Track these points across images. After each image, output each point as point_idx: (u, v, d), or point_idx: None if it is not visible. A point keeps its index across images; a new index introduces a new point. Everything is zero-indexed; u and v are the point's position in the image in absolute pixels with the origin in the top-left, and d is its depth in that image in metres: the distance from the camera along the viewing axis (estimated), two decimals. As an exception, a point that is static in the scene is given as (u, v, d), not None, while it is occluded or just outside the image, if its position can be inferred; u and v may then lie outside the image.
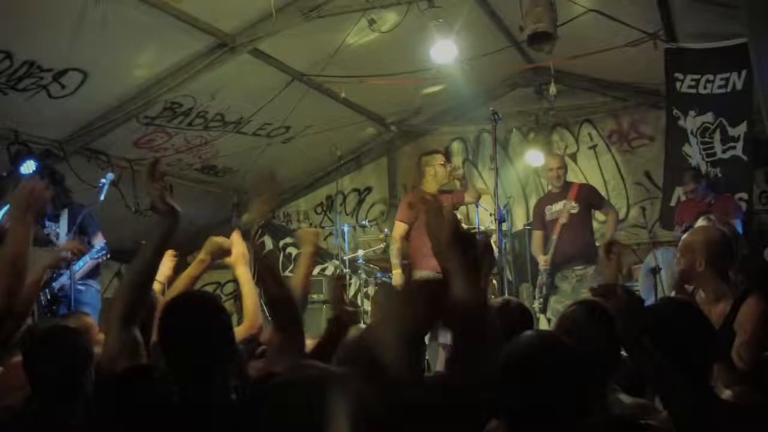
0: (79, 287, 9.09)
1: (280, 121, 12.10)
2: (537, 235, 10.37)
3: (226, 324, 3.81)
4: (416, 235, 9.72)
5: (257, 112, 11.51)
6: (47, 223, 9.21)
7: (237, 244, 5.85)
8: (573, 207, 10.03)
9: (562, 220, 10.01)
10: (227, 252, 5.81)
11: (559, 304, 9.56)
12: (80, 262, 8.86)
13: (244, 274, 5.74)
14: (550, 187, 10.60)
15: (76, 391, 4.02)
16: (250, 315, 5.57)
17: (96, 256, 8.99)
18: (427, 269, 9.24)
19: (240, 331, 5.37)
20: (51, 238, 9.01)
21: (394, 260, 10.07)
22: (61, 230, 9.22)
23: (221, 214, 14.22)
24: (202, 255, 5.81)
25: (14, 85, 9.20)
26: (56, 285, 8.81)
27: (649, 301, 8.95)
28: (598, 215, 10.93)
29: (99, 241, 9.26)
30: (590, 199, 10.24)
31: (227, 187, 13.85)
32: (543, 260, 10.06)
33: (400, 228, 10.08)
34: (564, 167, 10.46)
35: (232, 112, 11.44)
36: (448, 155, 11.00)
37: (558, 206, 10.13)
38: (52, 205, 9.12)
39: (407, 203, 10.30)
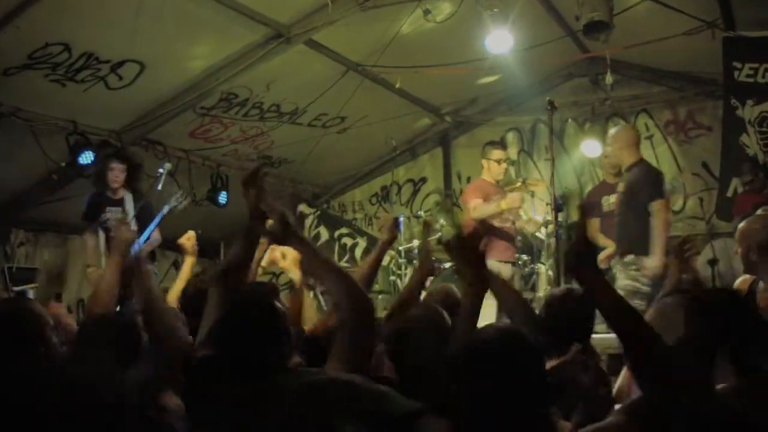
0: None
1: (336, 112, 12.13)
2: (594, 222, 10.09)
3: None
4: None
5: (312, 103, 11.55)
6: (109, 208, 9.38)
7: (291, 250, 5.95)
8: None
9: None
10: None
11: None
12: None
13: (299, 278, 5.91)
14: (605, 177, 10.44)
15: None
16: (312, 318, 5.71)
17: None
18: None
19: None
20: (109, 225, 9.10)
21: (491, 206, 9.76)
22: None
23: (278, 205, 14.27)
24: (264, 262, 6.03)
25: (73, 77, 9.31)
26: None
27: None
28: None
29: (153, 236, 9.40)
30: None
31: (283, 177, 13.91)
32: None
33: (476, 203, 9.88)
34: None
35: (288, 102, 11.49)
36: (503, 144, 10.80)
37: (613, 198, 9.95)
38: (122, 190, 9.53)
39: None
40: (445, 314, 4.40)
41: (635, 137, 8.84)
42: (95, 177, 9.64)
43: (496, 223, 9.69)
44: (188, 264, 6.46)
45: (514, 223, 9.97)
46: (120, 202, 9.57)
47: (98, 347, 4.19)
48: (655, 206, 8.21)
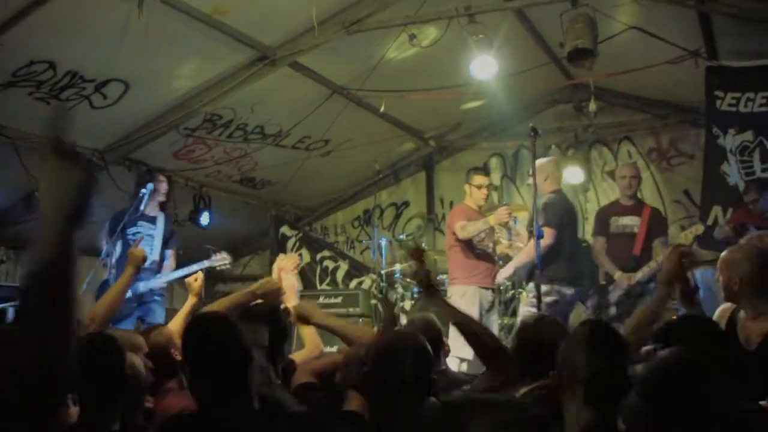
0: (156, 297, 9.63)
1: (320, 135, 12.16)
2: (600, 242, 10.08)
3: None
4: (459, 250, 9.75)
5: (297, 125, 11.57)
6: (141, 223, 9.44)
7: (286, 279, 6.08)
8: (637, 228, 9.85)
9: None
10: (279, 293, 6.06)
11: None
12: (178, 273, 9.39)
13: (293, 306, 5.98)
14: (619, 197, 10.41)
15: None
16: (311, 342, 5.73)
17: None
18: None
19: (300, 355, 5.57)
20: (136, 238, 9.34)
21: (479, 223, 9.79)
22: (156, 233, 9.73)
23: (259, 226, 14.31)
24: (255, 287, 6.02)
25: (57, 95, 9.30)
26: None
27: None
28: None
29: (171, 260, 9.85)
30: (656, 225, 10.02)
31: (266, 199, 13.92)
32: (624, 276, 9.65)
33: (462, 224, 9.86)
34: (637, 177, 10.25)
35: (272, 124, 11.50)
36: (485, 170, 10.82)
37: (625, 220, 9.95)
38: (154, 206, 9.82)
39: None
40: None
41: (556, 169, 9.25)
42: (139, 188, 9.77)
43: (477, 245, 9.71)
44: (190, 303, 6.47)
45: (494, 246, 9.99)
46: (153, 220, 9.80)
47: None
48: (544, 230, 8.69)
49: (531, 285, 8.64)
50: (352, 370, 4.47)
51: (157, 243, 9.74)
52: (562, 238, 9.05)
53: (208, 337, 3.85)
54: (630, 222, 9.85)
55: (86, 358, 3.91)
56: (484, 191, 9.97)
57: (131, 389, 4.22)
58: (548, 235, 8.75)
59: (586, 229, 13.62)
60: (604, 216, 10.22)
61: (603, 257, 9.95)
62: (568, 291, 9.05)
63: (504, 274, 9.66)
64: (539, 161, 9.29)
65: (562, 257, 9.06)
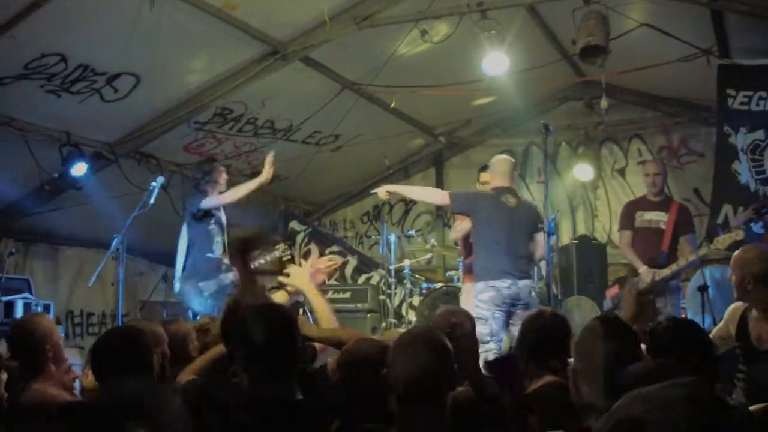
0: None
1: (330, 130, 12.15)
2: (626, 235, 9.92)
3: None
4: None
5: (307, 120, 11.57)
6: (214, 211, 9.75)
7: (300, 270, 6.16)
8: (664, 224, 9.78)
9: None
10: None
11: None
12: None
13: (312, 294, 5.88)
14: (645, 193, 10.35)
15: None
16: (326, 321, 5.74)
17: None
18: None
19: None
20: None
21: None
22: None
23: (268, 221, 14.30)
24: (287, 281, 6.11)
25: (68, 88, 9.30)
26: None
27: (697, 318, 8.95)
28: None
29: None
30: (683, 222, 9.94)
31: (275, 194, 13.90)
32: (649, 272, 9.38)
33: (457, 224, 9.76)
34: (662, 174, 10.18)
35: (282, 119, 11.50)
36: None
37: (651, 215, 9.87)
38: None
39: None
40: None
41: (509, 167, 8.98)
42: (204, 178, 9.79)
43: None
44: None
45: None
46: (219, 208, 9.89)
47: None
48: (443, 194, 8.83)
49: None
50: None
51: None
52: (499, 235, 8.84)
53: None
54: (656, 217, 9.74)
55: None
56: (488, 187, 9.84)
57: None
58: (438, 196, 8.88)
59: (596, 226, 13.65)
60: (630, 210, 10.11)
61: (629, 251, 9.84)
62: (503, 284, 8.91)
63: (393, 188, 9.34)
64: (493, 159, 9.26)
65: (497, 253, 8.87)
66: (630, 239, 9.88)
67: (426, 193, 9.69)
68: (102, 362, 4.30)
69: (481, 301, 8.44)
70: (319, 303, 5.82)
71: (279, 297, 6.19)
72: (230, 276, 9.22)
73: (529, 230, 8.87)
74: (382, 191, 9.03)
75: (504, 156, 9.46)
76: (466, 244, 9.47)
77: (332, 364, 5.16)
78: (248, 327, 3.91)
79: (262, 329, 3.85)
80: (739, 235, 9.07)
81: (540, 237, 8.87)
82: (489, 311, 8.32)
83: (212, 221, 9.66)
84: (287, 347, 3.89)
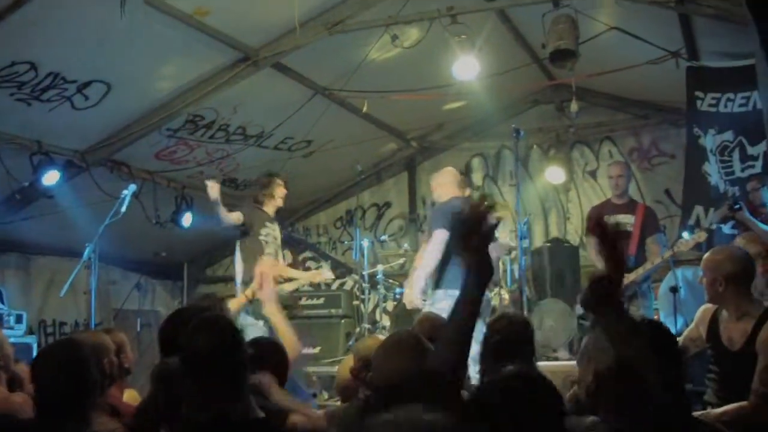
0: None
1: (302, 135, 12.15)
2: (594, 241, 10.09)
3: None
4: None
5: (279, 126, 11.56)
6: (268, 223, 10.25)
7: (267, 282, 6.12)
8: (632, 226, 9.82)
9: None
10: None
11: None
12: None
13: (272, 312, 5.91)
14: (610, 196, 10.39)
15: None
16: (289, 345, 5.70)
17: None
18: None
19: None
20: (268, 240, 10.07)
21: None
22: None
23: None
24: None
25: (38, 96, 9.25)
26: None
27: (669, 319, 9.00)
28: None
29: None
30: (649, 223, 9.98)
31: (248, 200, 13.89)
32: None
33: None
34: (626, 176, 10.21)
35: (254, 125, 11.49)
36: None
37: (617, 219, 9.91)
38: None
39: None
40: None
41: (453, 177, 9.07)
42: (261, 190, 10.35)
43: None
44: None
45: None
46: (275, 221, 10.35)
47: None
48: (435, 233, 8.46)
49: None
50: None
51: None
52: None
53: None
54: (623, 220, 9.81)
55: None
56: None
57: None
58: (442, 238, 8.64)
59: (568, 229, 13.71)
60: (595, 215, 10.16)
61: (596, 256, 9.93)
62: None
63: (418, 288, 8.73)
64: (444, 170, 9.30)
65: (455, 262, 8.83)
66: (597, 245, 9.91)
67: (434, 252, 8.67)
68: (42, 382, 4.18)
69: (440, 309, 8.47)
70: (278, 322, 5.86)
71: (233, 304, 6.21)
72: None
73: None
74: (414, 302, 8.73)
75: (449, 168, 9.49)
76: None
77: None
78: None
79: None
80: (702, 236, 9.16)
81: None
82: None
83: (262, 234, 9.98)
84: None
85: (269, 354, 5.05)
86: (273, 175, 10.43)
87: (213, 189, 9.62)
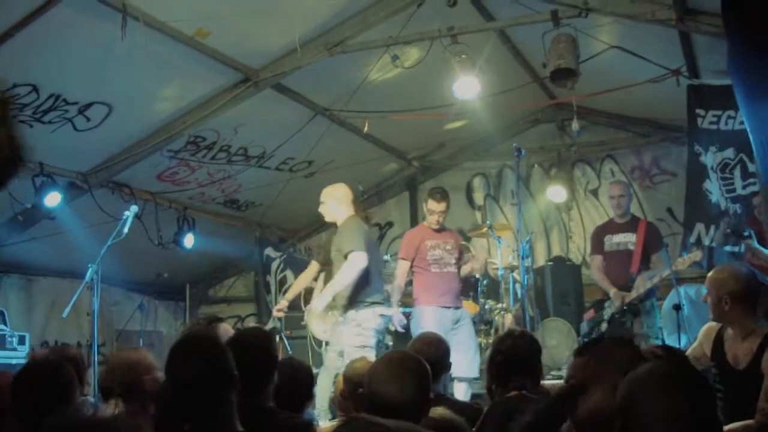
0: None
1: (303, 156, 12.16)
2: (597, 259, 10.07)
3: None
4: (419, 272, 9.68)
5: (280, 147, 11.57)
6: None
7: None
8: (633, 244, 9.83)
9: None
10: None
11: None
12: None
13: None
14: (612, 215, 10.41)
15: None
16: None
17: None
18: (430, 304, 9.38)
19: None
20: None
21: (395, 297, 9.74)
22: None
23: (244, 248, 14.28)
24: None
25: (40, 118, 9.26)
26: None
27: (673, 337, 8.98)
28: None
29: None
30: (652, 240, 9.99)
31: (249, 221, 13.90)
32: (618, 295, 9.60)
33: (402, 265, 9.91)
34: (626, 195, 10.23)
35: (255, 146, 11.49)
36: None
37: (619, 238, 9.93)
38: None
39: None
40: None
41: (346, 195, 9.28)
42: None
43: (433, 265, 9.61)
44: None
45: (457, 265, 9.79)
46: None
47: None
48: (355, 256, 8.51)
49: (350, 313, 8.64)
50: None
51: None
52: (371, 261, 8.84)
53: None
54: (624, 239, 9.84)
55: None
56: (435, 217, 9.73)
57: None
58: (362, 259, 8.50)
59: (570, 247, 13.69)
60: (599, 234, 10.23)
61: (599, 274, 9.96)
62: (390, 310, 9.01)
63: (322, 302, 8.68)
64: (334, 186, 9.46)
65: (374, 279, 8.91)
66: (600, 263, 9.97)
67: (351, 275, 8.63)
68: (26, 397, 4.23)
69: (366, 329, 8.54)
70: None
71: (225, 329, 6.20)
72: None
73: None
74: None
75: (343, 184, 9.55)
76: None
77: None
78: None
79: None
80: (697, 255, 9.17)
81: None
82: (374, 339, 8.59)
83: None
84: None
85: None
86: None
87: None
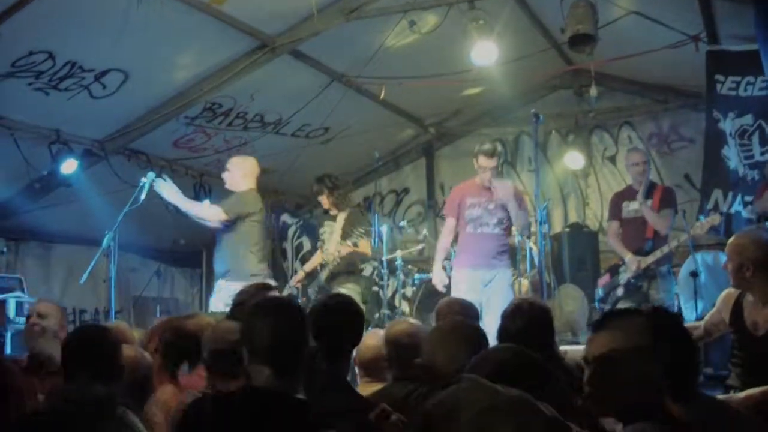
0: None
1: (319, 122, 12.13)
2: (614, 225, 9.99)
3: None
4: (460, 232, 9.54)
5: (296, 113, 11.54)
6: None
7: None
8: (642, 210, 9.76)
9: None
10: None
11: None
12: None
13: None
14: (631, 182, 10.32)
15: None
16: None
17: None
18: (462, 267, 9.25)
19: None
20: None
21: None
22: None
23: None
24: None
25: (56, 85, 9.26)
26: None
27: (690, 304, 8.96)
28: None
29: None
30: (663, 200, 9.89)
31: (266, 187, 13.88)
32: (634, 260, 9.56)
33: (446, 223, 9.74)
34: (648, 161, 10.19)
35: (272, 112, 11.47)
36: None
37: (636, 205, 9.85)
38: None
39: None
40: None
41: (253, 169, 9.58)
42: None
43: (469, 229, 9.35)
44: None
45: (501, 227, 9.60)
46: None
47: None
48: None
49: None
50: None
51: None
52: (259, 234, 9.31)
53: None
54: (637, 206, 9.80)
55: None
56: (486, 175, 9.27)
57: None
58: (217, 217, 9.18)
59: (587, 214, 13.67)
60: (617, 201, 10.16)
61: (615, 240, 9.92)
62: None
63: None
64: (244, 158, 9.75)
65: (246, 254, 9.17)
66: (617, 229, 9.94)
67: (198, 208, 9.56)
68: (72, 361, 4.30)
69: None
70: None
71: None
72: None
73: None
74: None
75: (251, 158, 9.80)
76: None
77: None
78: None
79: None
80: (716, 219, 9.13)
81: None
82: None
83: None
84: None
85: None
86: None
87: None
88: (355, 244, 10.12)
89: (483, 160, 9.19)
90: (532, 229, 10.46)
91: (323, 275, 10.44)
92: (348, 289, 10.18)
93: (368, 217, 12.79)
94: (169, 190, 9.13)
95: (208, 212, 9.27)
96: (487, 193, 9.26)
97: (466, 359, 3.78)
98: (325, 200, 10.65)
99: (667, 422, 3.10)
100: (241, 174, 9.43)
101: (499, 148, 9.44)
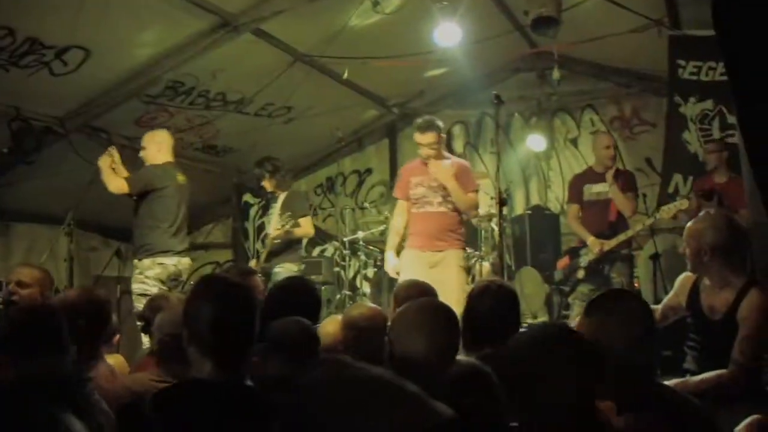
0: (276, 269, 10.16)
1: (282, 102, 12.08)
2: (574, 208, 10.04)
3: None
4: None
5: (259, 93, 11.48)
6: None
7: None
8: (610, 192, 9.78)
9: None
10: None
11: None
12: None
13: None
14: (592, 165, 10.34)
15: None
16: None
17: None
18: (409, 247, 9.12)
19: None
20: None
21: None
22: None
23: (221, 194, 14.28)
24: None
25: (16, 62, 9.16)
26: None
27: (649, 287, 9.04)
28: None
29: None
30: (624, 184, 9.90)
31: (228, 166, 13.86)
32: (596, 243, 9.57)
33: (396, 206, 9.54)
34: (613, 146, 10.24)
35: (234, 91, 11.41)
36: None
37: (599, 188, 9.88)
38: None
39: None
40: None
41: (167, 141, 9.67)
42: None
43: (414, 209, 9.17)
44: None
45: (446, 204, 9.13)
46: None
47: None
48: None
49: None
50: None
51: None
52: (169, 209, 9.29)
53: None
54: (604, 189, 9.83)
55: None
56: (426, 150, 9.08)
57: None
58: (118, 188, 9.22)
59: (549, 197, 13.72)
60: (577, 184, 10.20)
61: (575, 223, 9.97)
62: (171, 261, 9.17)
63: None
64: (155, 132, 9.83)
65: (156, 229, 9.23)
66: (578, 212, 9.98)
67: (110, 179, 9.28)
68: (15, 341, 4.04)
69: (148, 277, 8.91)
70: None
71: None
72: None
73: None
74: None
75: (162, 130, 9.92)
76: None
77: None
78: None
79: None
80: (684, 204, 9.17)
81: None
82: (156, 288, 8.80)
83: None
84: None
85: None
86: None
87: None
88: (296, 224, 10.11)
89: (417, 136, 9.10)
90: (481, 211, 10.26)
91: (263, 255, 10.41)
92: (284, 268, 10.18)
93: (307, 195, 12.82)
94: (104, 161, 9.13)
95: (113, 185, 9.13)
96: (427, 170, 9.12)
97: (446, 342, 3.78)
98: (267, 183, 10.65)
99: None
100: (156, 148, 9.47)
101: (438, 122, 9.14)
